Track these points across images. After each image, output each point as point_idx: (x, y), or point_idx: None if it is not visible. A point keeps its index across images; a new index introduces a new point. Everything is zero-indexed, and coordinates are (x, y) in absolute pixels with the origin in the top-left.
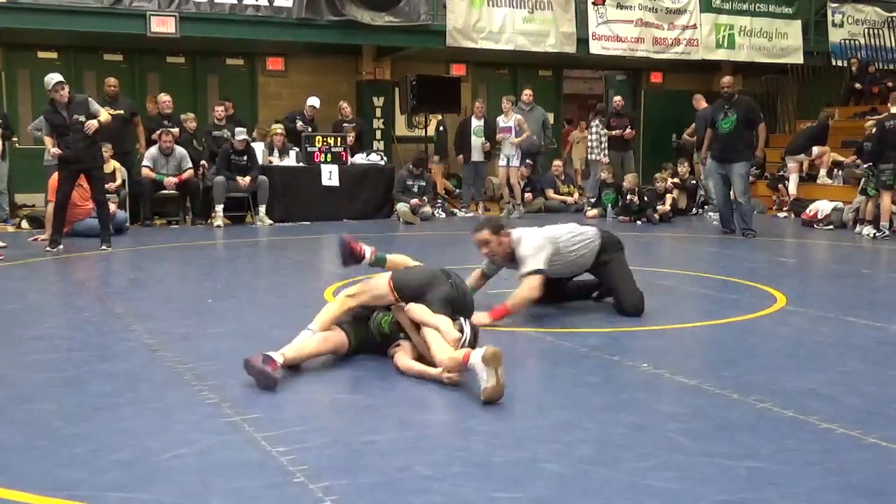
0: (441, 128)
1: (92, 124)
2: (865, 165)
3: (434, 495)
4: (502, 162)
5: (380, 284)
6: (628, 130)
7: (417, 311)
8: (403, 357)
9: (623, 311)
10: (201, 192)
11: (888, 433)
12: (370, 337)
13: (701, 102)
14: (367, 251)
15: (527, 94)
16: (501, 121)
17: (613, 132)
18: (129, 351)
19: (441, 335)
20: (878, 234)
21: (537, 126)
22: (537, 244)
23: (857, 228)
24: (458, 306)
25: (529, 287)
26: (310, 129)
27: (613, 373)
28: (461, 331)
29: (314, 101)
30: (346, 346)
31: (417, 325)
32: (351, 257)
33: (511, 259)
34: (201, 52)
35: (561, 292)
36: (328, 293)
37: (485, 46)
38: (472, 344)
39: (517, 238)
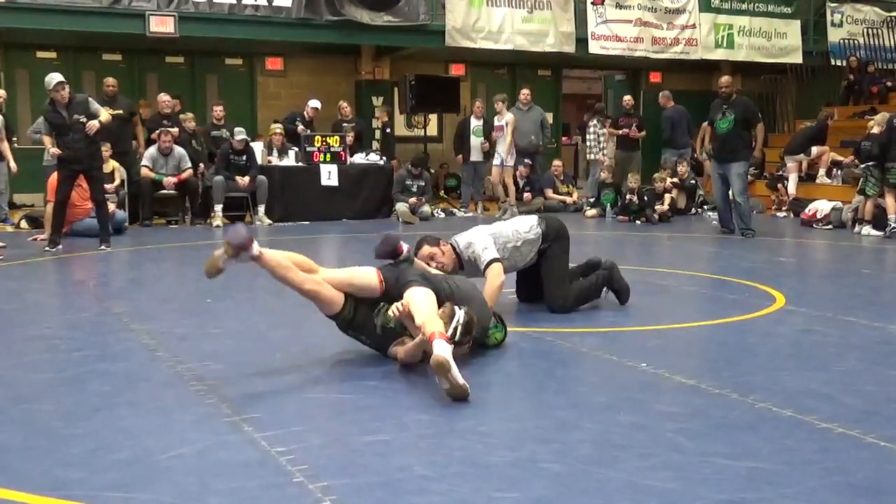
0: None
1: (93, 125)
2: (863, 165)
3: (433, 495)
4: (496, 161)
5: (368, 273)
6: (633, 129)
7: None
8: (400, 348)
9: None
10: (200, 191)
11: (887, 433)
12: (372, 325)
13: (668, 102)
14: (405, 247)
15: (524, 93)
16: (496, 120)
17: (621, 131)
18: (128, 351)
19: (418, 308)
20: (887, 233)
21: (535, 126)
22: (483, 240)
23: (857, 228)
24: (441, 292)
25: (493, 276)
26: (309, 132)
27: (612, 373)
28: (452, 315)
29: (315, 104)
30: (338, 306)
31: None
32: (390, 254)
33: (460, 265)
34: (200, 51)
35: (536, 291)
36: None
37: (484, 46)
38: (465, 332)
39: (465, 242)
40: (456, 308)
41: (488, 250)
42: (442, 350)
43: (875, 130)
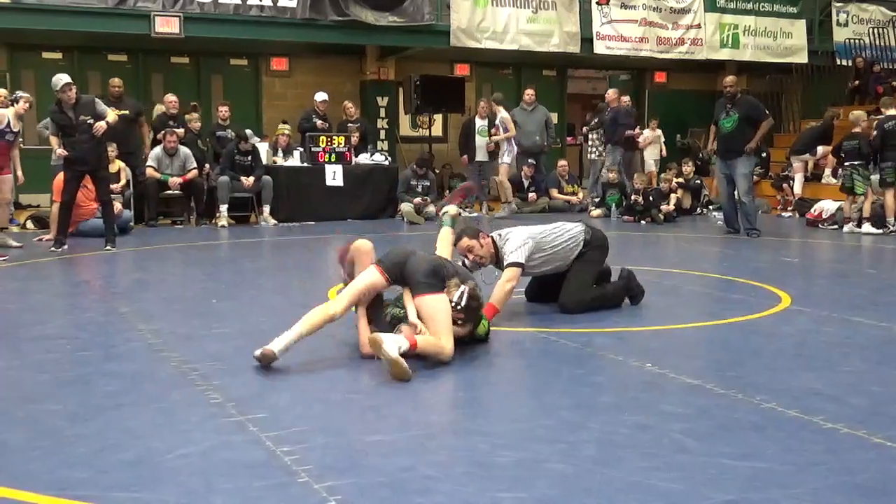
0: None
1: (101, 126)
2: (848, 164)
3: (437, 495)
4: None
5: (371, 276)
6: (637, 130)
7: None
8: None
9: (559, 304)
10: (206, 192)
11: (893, 433)
12: (384, 327)
13: (613, 102)
14: (453, 209)
15: (528, 93)
16: (497, 120)
17: (627, 132)
18: (134, 351)
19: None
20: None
21: (539, 126)
22: (520, 241)
23: (847, 228)
24: (447, 277)
25: (506, 280)
26: (328, 125)
27: (618, 373)
28: (457, 286)
29: (324, 96)
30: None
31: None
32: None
33: (497, 260)
34: (205, 52)
35: (547, 292)
36: (332, 293)
37: (489, 46)
38: (471, 297)
39: (505, 236)
40: (462, 285)
41: (516, 253)
42: (388, 336)
43: (857, 129)
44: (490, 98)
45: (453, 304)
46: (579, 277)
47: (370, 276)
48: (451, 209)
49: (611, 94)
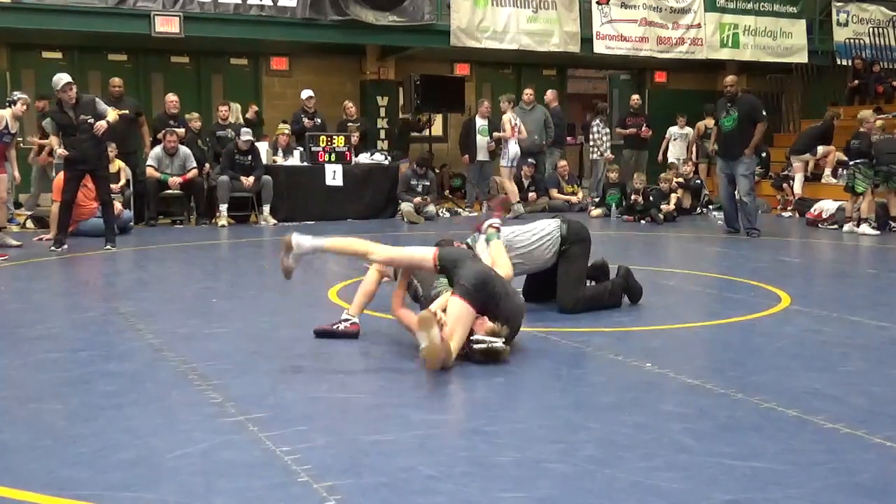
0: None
1: (101, 125)
2: (852, 162)
3: (438, 495)
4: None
5: (424, 253)
6: (644, 129)
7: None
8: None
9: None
10: (206, 191)
11: (893, 433)
12: (430, 281)
13: (553, 102)
14: (497, 222)
15: (528, 93)
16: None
17: (630, 131)
18: (134, 351)
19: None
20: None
21: (538, 126)
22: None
23: (847, 227)
24: (496, 295)
25: None
26: (318, 121)
27: (618, 372)
28: (494, 333)
29: (309, 93)
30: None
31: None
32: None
33: None
34: (205, 51)
35: (545, 291)
36: (332, 293)
37: (489, 46)
38: (485, 353)
39: (475, 238)
40: (499, 340)
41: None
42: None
43: (862, 129)
44: (503, 100)
45: (473, 339)
46: (569, 275)
47: (423, 252)
48: (495, 222)
49: (548, 95)
